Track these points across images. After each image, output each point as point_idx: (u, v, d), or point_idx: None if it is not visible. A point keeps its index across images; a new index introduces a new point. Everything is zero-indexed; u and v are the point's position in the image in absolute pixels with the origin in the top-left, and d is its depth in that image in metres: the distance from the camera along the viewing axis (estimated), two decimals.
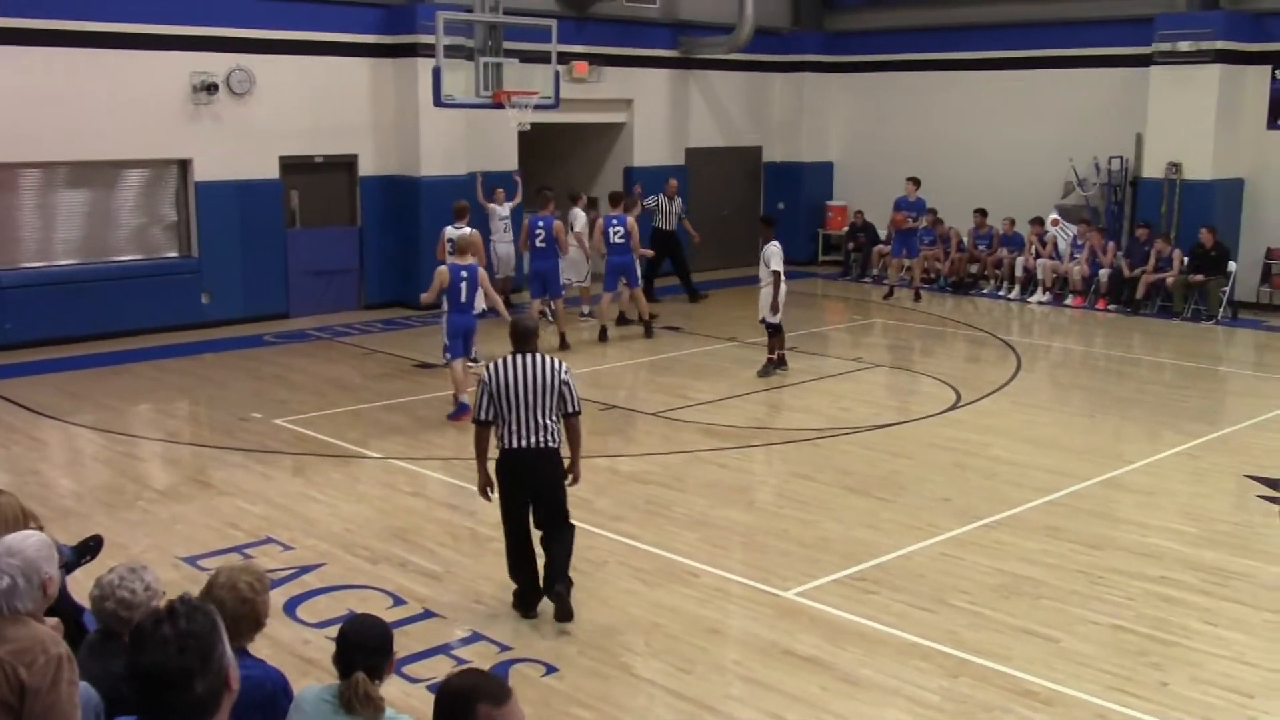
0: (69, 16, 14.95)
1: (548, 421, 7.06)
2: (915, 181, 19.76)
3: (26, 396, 12.63)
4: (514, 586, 7.35)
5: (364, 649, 3.95)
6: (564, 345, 15.07)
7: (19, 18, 14.57)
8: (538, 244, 15.15)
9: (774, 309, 13.38)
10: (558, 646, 6.79)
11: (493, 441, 7.21)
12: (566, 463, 7.35)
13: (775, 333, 13.73)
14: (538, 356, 7.12)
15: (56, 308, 15.12)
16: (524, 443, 7.03)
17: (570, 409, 7.14)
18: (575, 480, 7.40)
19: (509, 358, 7.12)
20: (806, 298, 20.24)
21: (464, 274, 11.81)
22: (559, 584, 7.15)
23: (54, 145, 15.06)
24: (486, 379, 7.09)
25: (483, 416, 7.11)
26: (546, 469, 7.15)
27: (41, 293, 15.11)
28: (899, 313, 18.44)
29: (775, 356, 13.80)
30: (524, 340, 7.18)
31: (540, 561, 7.30)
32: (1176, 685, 6.35)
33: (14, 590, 3.77)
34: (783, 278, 13.37)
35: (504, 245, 16.89)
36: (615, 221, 15.84)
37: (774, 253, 13.38)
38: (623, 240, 15.73)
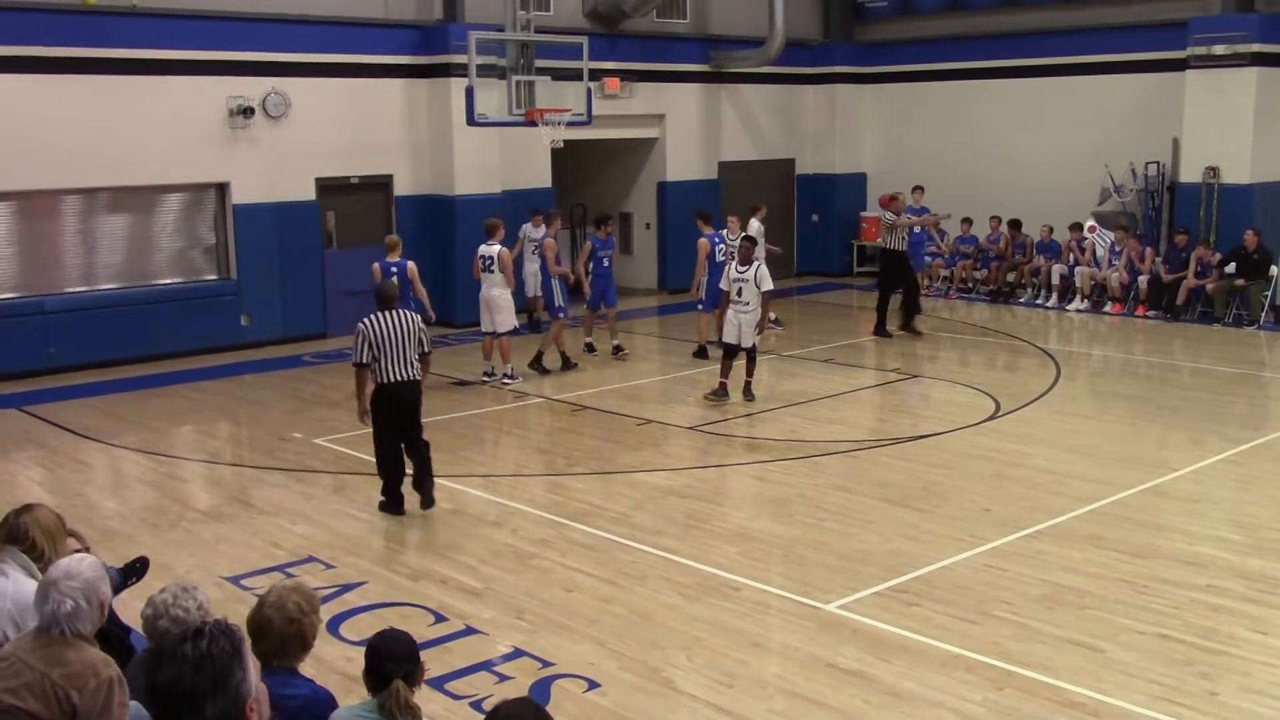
0: (106, 44, 15.19)
1: (413, 360, 9.29)
2: (920, 189, 19.71)
3: (71, 419, 12.79)
4: (381, 499, 9.55)
5: (395, 659, 4.01)
6: (567, 364, 14.88)
7: (58, 46, 14.81)
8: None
9: (759, 330, 13.01)
10: (600, 662, 6.79)
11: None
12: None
13: (754, 356, 13.09)
14: (400, 313, 9.36)
15: (99, 331, 15.33)
16: (397, 377, 9.26)
17: (425, 350, 9.40)
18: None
19: (380, 315, 9.30)
20: (842, 309, 20.20)
21: (394, 270, 13.21)
22: (426, 478, 9.53)
23: (94, 171, 15.28)
24: (366, 331, 9.22)
25: (364, 360, 9.28)
26: (412, 396, 9.41)
27: (84, 317, 15.32)
28: (935, 323, 18.33)
29: (751, 380, 13.13)
30: (388, 302, 9.41)
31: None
32: (1226, 695, 6.27)
33: (77, 612, 3.82)
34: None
35: (534, 265, 16.70)
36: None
37: (766, 274, 12.93)
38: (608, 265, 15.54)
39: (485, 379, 14.31)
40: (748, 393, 13.10)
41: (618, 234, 21.71)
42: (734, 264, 13.11)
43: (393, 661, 3.99)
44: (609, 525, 9.16)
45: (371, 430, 9.58)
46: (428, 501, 9.56)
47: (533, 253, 16.75)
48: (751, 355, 13.04)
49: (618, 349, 15.58)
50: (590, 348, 15.80)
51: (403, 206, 18.13)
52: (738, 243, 13.68)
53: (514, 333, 14.33)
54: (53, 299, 15.26)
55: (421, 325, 9.40)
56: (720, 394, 13.03)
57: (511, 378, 14.19)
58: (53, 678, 3.73)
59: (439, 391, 14.03)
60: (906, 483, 10.15)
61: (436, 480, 9.69)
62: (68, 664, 3.76)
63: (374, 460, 9.70)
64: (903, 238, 17.29)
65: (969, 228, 20.96)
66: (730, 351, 12.99)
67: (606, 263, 15.41)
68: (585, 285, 15.55)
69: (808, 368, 15.10)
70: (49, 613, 3.82)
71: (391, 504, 9.55)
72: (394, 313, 9.34)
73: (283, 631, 4.03)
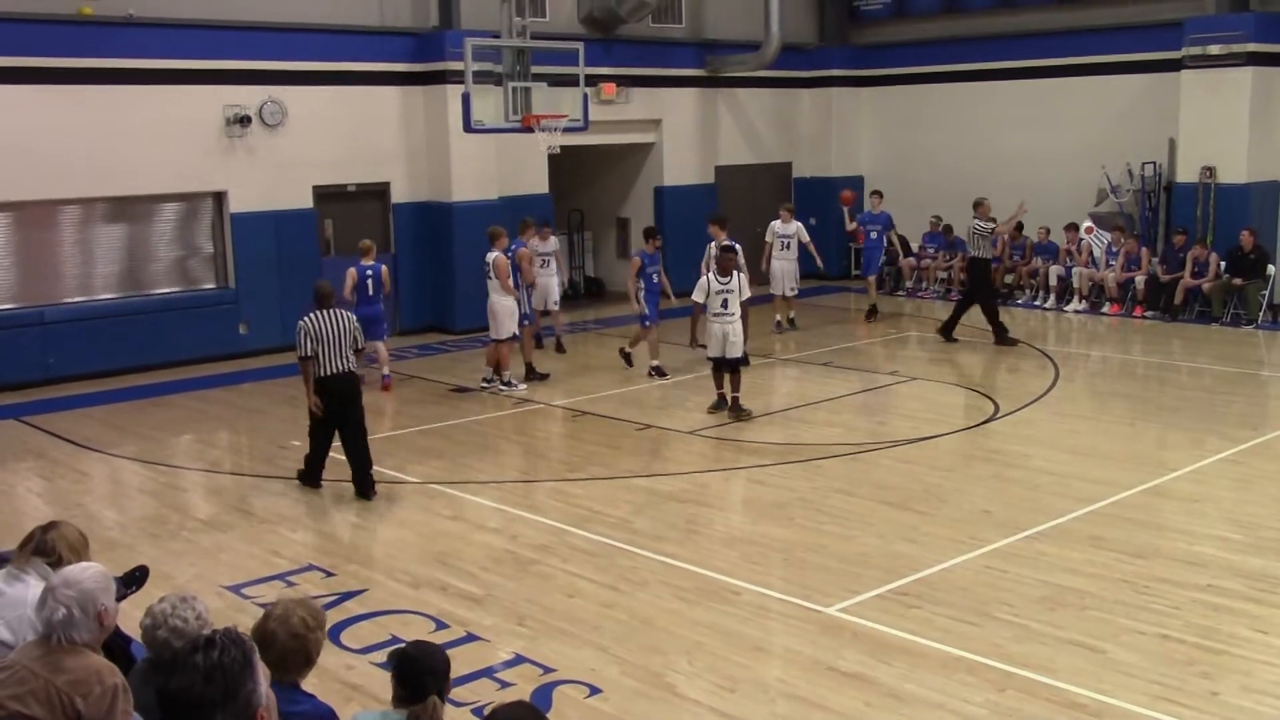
0: (103, 54, 15.21)
1: (349, 354, 10.05)
2: (879, 194, 19.64)
3: (70, 430, 12.79)
4: (301, 470, 10.46)
5: (436, 674, 3.98)
6: (532, 375, 14.63)
7: (55, 57, 14.83)
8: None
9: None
10: (601, 668, 6.79)
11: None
12: None
13: (739, 369, 12.71)
14: (336, 311, 10.14)
15: (98, 341, 15.33)
16: (335, 370, 10.02)
17: (358, 346, 10.21)
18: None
19: (319, 312, 10.07)
20: (840, 312, 20.21)
21: (369, 273, 14.18)
22: (365, 476, 10.10)
23: (92, 181, 15.30)
24: (307, 326, 10.00)
25: (309, 353, 10.01)
26: (351, 386, 10.14)
27: (83, 327, 15.33)
28: (933, 324, 18.33)
29: (739, 395, 12.62)
30: (324, 300, 10.20)
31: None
32: (1227, 694, 6.27)
33: (70, 621, 3.84)
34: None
35: (543, 278, 16.25)
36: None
37: (746, 283, 12.75)
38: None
39: (484, 385, 14.30)
40: (735, 409, 12.55)
41: (614, 239, 21.79)
42: (714, 275, 12.61)
43: (432, 676, 3.96)
44: (609, 530, 9.16)
45: (312, 418, 10.29)
46: (366, 490, 10.15)
47: (542, 266, 16.16)
48: (736, 367, 12.59)
49: (658, 370, 14.77)
50: (659, 371, 14.72)
51: (400, 214, 18.14)
52: (714, 252, 13.51)
53: (514, 339, 14.32)
54: (51, 309, 15.26)
55: (356, 323, 10.20)
56: (721, 405, 12.75)
57: (515, 385, 14.19)
58: (57, 684, 3.74)
59: (438, 398, 14.05)
60: (906, 485, 10.15)
61: (438, 486, 9.70)
62: (71, 671, 3.77)
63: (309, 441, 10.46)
64: (991, 245, 16.78)
65: (952, 233, 21.00)
66: (719, 364, 12.62)
67: (656, 278, 14.79)
68: (637, 302, 14.66)
69: (806, 371, 15.11)
70: (45, 619, 3.87)
71: (308, 477, 10.46)
72: (331, 310, 10.16)
73: (286, 646, 4.01)
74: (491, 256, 14.00)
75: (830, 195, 23.21)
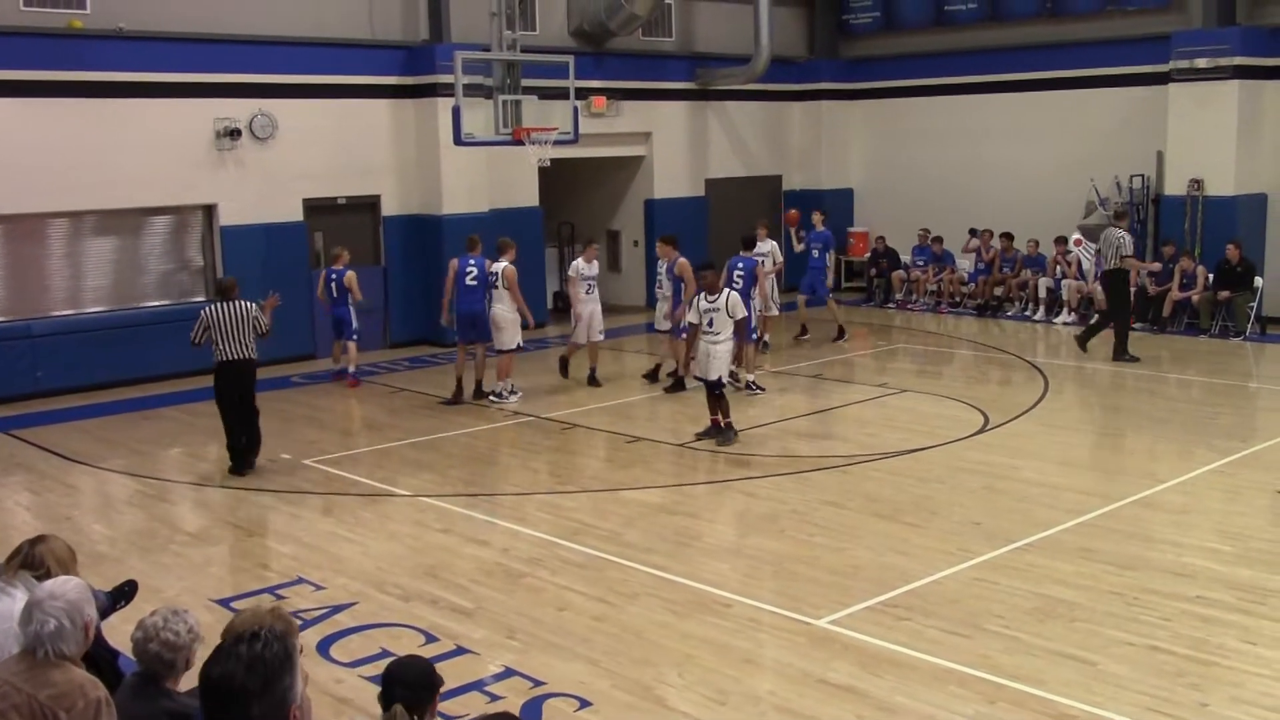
0: (93, 68, 15.20)
1: (249, 342, 11.07)
2: (823, 213, 18.77)
3: (59, 443, 12.74)
4: (227, 456, 11.38)
5: (403, 683, 3.98)
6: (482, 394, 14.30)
7: (45, 70, 14.82)
8: (468, 282, 14.08)
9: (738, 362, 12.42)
10: (591, 681, 6.77)
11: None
12: None
13: (722, 392, 12.27)
14: (237, 303, 11.08)
15: (86, 355, 15.30)
16: (232, 356, 11.05)
17: (262, 332, 11.18)
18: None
19: (218, 303, 11.12)
20: (830, 325, 20.24)
21: (334, 277, 15.45)
22: (252, 449, 11.38)
23: (81, 194, 15.27)
24: (204, 316, 11.06)
25: (198, 341, 11.13)
26: (247, 371, 11.21)
27: (71, 340, 15.29)
28: (923, 337, 18.39)
29: (718, 418, 12.21)
30: (225, 292, 11.28)
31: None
32: (1216, 706, 6.27)
33: (60, 633, 3.83)
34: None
35: (589, 305, 15.06)
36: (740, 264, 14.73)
37: (738, 300, 12.30)
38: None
39: (492, 399, 14.25)
40: (714, 431, 12.15)
41: (604, 252, 21.79)
42: (703, 295, 12.28)
43: (400, 686, 3.97)
44: (600, 543, 9.15)
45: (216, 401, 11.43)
46: (246, 467, 11.34)
47: (586, 293, 15.06)
48: (713, 390, 12.18)
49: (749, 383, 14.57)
50: (755, 386, 14.49)
51: (390, 226, 18.14)
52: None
53: (520, 350, 14.37)
54: (40, 323, 15.23)
55: (257, 313, 11.16)
56: (710, 432, 12.24)
57: (505, 396, 14.17)
58: (40, 699, 3.73)
59: (428, 410, 14.03)
60: (896, 497, 10.16)
61: (428, 499, 9.68)
62: (55, 685, 3.76)
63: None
64: (1122, 257, 15.87)
65: (941, 246, 21.07)
66: (708, 386, 12.27)
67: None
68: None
69: (796, 384, 15.12)
70: (33, 633, 3.85)
71: (236, 466, 11.38)
72: (232, 302, 11.13)
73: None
74: (500, 266, 13.98)
75: (821, 208, 23.30)
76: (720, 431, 12.13)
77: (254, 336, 11.20)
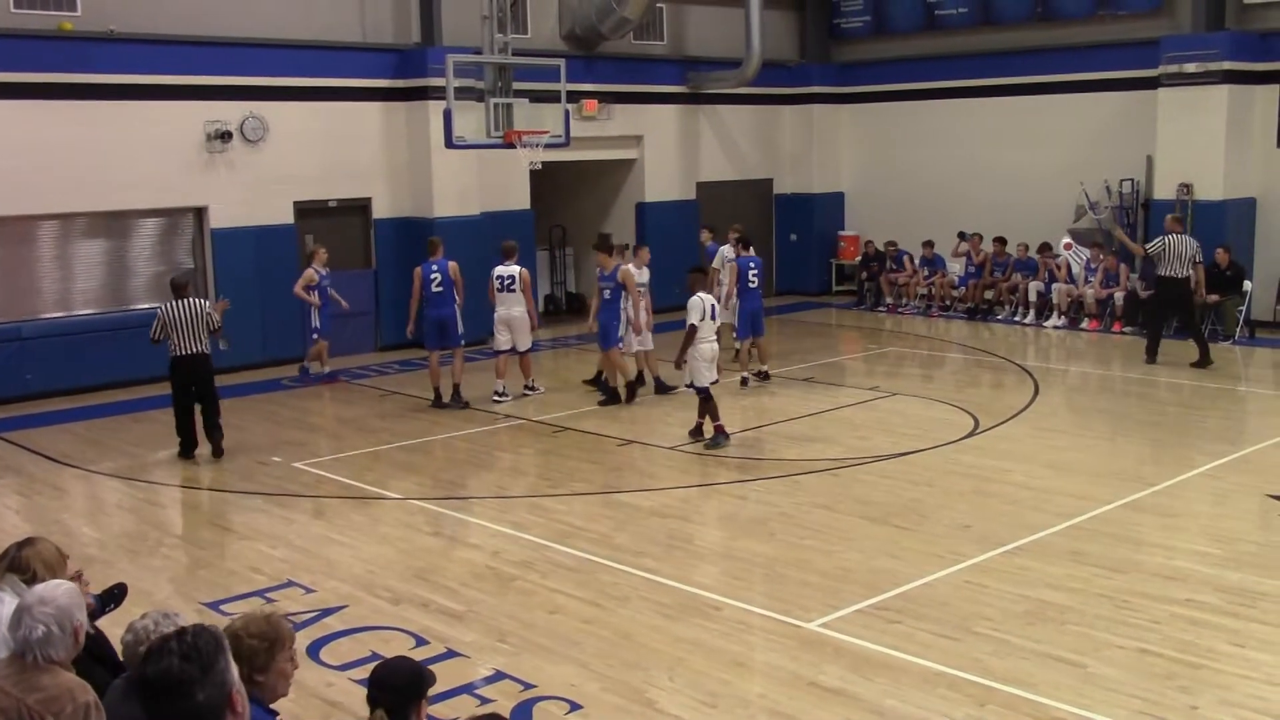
0: (84, 69, 15.17)
1: (202, 337, 11.70)
2: (710, 229, 17.37)
3: (48, 446, 12.71)
4: (178, 441, 12.02)
5: (386, 687, 3.96)
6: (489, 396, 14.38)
7: (35, 72, 14.78)
8: (434, 289, 13.95)
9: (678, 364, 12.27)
10: (582, 684, 6.77)
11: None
12: None
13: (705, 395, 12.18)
14: (191, 299, 11.80)
15: (76, 357, 15.25)
16: (187, 351, 11.72)
17: (214, 328, 11.84)
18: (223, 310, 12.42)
19: (173, 301, 11.76)
20: (821, 328, 20.27)
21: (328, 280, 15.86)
22: (216, 434, 11.95)
23: (71, 196, 15.24)
24: (160, 314, 11.73)
25: (156, 338, 11.83)
26: (201, 365, 11.83)
27: (61, 343, 15.25)
28: (913, 340, 18.42)
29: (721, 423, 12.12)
30: (178, 290, 11.85)
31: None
32: (1206, 709, 6.29)
33: (49, 639, 3.82)
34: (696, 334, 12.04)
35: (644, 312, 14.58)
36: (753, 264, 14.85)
37: (690, 305, 12.10)
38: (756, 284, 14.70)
39: (496, 399, 14.30)
40: (698, 434, 12.22)
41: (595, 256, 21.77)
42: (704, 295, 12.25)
43: (382, 689, 3.95)
44: (591, 546, 9.15)
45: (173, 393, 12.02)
46: (216, 451, 11.98)
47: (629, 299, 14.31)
48: (701, 393, 12.14)
49: (761, 374, 15.06)
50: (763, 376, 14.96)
51: (382, 229, 18.12)
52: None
53: (533, 348, 14.63)
54: (30, 325, 15.18)
55: (209, 310, 11.86)
56: (697, 435, 12.30)
57: (519, 392, 14.53)
58: (29, 703, 3.72)
59: (418, 413, 14.01)
60: (887, 500, 10.17)
61: (419, 502, 9.66)
62: (44, 689, 3.75)
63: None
64: (1186, 262, 15.55)
65: (932, 250, 21.11)
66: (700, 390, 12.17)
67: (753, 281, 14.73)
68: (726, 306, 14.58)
69: (787, 387, 15.13)
70: (21, 638, 3.83)
71: (184, 452, 12.04)
72: (186, 300, 11.78)
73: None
74: (514, 270, 14.12)
75: (812, 212, 23.40)
76: (706, 434, 12.18)
77: (207, 333, 11.81)
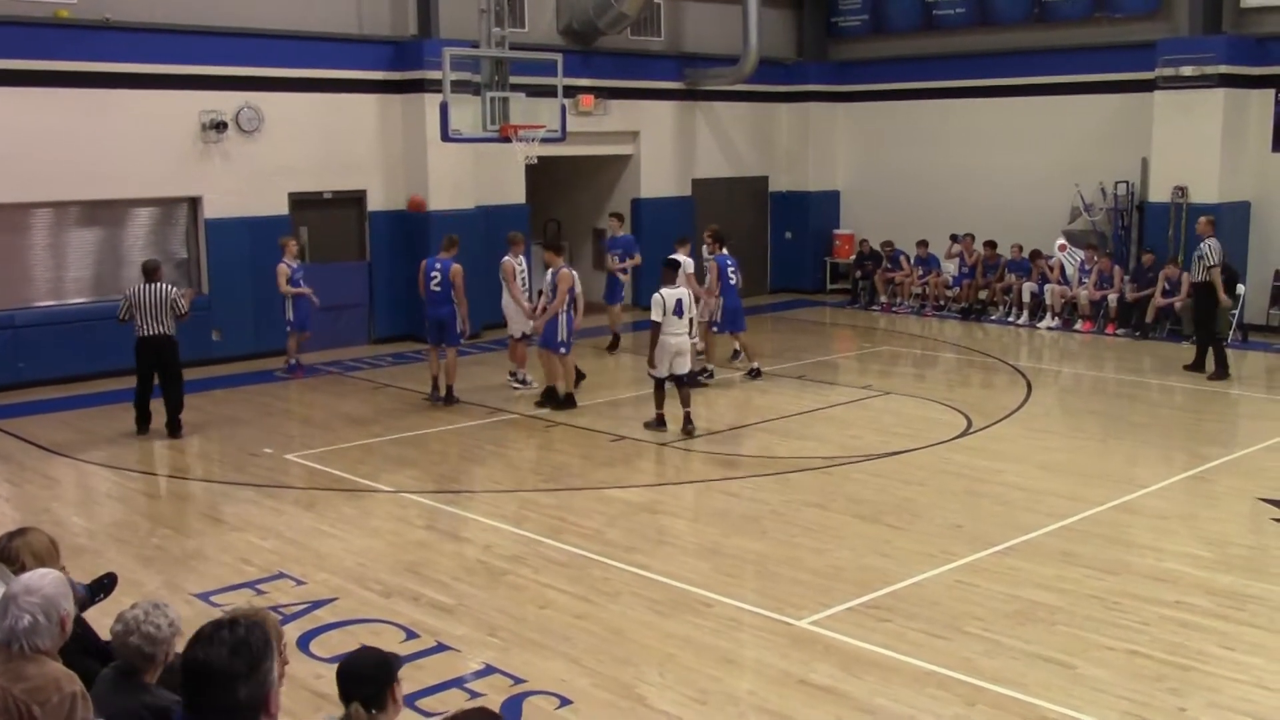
0: (79, 58, 15.11)
1: (167, 320, 12.29)
2: (618, 217, 18.65)
3: (39, 434, 12.68)
4: (135, 418, 12.63)
5: (356, 678, 3.89)
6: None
7: (30, 59, 14.73)
8: (432, 287, 13.83)
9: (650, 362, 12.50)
10: (572, 679, 6.77)
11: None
12: None
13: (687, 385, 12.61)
14: (157, 284, 12.37)
15: (68, 346, 15.20)
16: (151, 332, 12.29)
17: (180, 313, 12.41)
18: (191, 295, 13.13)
19: (143, 284, 12.41)
20: (815, 326, 20.28)
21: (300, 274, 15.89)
22: (175, 412, 12.55)
23: (65, 185, 15.19)
24: (128, 294, 12.40)
25: (122, 318, 12.42)
26: (165, 345, 12.40)
27: (54, 331, 15.21)
28: (907, 339, 18.43)
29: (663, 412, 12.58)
30: (148, 274, 12.48)
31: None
32: (1194, 711, 6.30)
33: (35, 628, 3.80)
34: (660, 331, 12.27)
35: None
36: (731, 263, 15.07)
37: (655, 301, 12.29)
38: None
39: (514, 384, 14.78)
40: (659, 424, 12.61)
41: (591, 250, 21.79)
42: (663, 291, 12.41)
43: (353, 681, 3.90)
44: (582, 541, 9.14)
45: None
46: (173, 429, 12.55)
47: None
48: (683, 383, 12.50)
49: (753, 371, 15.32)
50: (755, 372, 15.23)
51: (376, 222, 18.09)
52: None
53: (524, 339, 14.65)
54: (22, 313, 15.14)
55: (175, 295, 12.39)
56: (662, 424, 12.57)
57: (524, 382, 14.78)
58: (14, 693, 3.71)
59: (412, 407, 13.99)
60: (878, 499, 10.18)
61: (411, 495, 9.65)
62: (30, 679, 3.73)
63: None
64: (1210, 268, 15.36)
65: (926, 249, 21.12)
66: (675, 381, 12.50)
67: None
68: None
69: (780, 384, 15.13)
70: (7, 628, 3.81)
71: (139, 427, 12.63)
72: (154, 284, 12.37)
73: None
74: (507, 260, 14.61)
75: (807, 210, 23.40)
76: (687, 423, 12.48)
77: (172, 317, 12.37)
